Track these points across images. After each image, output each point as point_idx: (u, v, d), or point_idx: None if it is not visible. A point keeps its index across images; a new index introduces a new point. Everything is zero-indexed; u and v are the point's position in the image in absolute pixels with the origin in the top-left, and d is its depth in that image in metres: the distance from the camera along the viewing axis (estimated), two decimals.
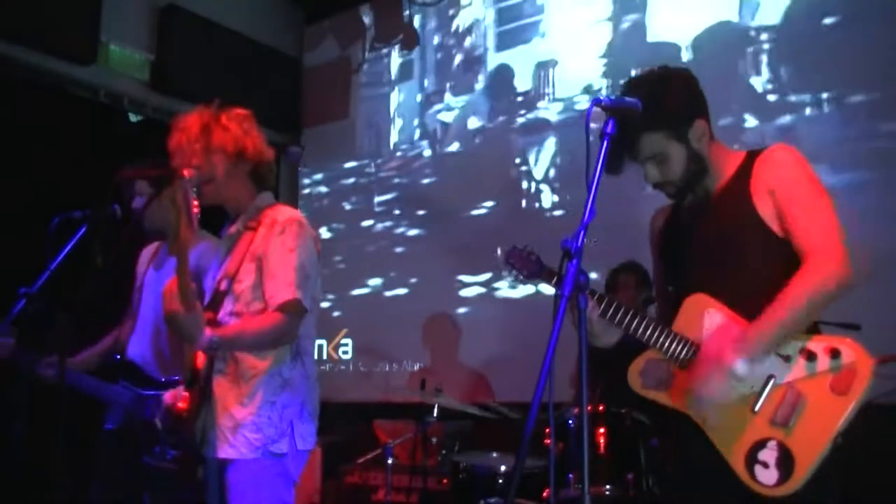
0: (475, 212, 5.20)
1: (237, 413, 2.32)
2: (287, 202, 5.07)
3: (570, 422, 3.13)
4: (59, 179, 4.27)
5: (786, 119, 4.07)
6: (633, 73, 4.55)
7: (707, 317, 2.00)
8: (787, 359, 1.89)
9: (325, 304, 5.54)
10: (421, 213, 5.51)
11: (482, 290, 5.05)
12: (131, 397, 2.80)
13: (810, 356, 1.87)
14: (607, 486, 2.99)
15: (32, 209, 3.51)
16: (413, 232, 5.51)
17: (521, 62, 5.16)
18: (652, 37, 4.67)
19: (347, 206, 5.87)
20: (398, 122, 5.79)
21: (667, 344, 2.02)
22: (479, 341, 5.00)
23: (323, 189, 6.08)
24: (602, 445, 3.07)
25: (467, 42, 5.48)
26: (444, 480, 3.96)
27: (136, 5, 5.06)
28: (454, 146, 5.43)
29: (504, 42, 5.29)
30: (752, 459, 1.87)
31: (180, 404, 2.41)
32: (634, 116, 1.86)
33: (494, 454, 3.64)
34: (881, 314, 3.26)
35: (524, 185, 5.01)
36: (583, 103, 4.86)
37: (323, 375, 5.44)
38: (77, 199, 2.83)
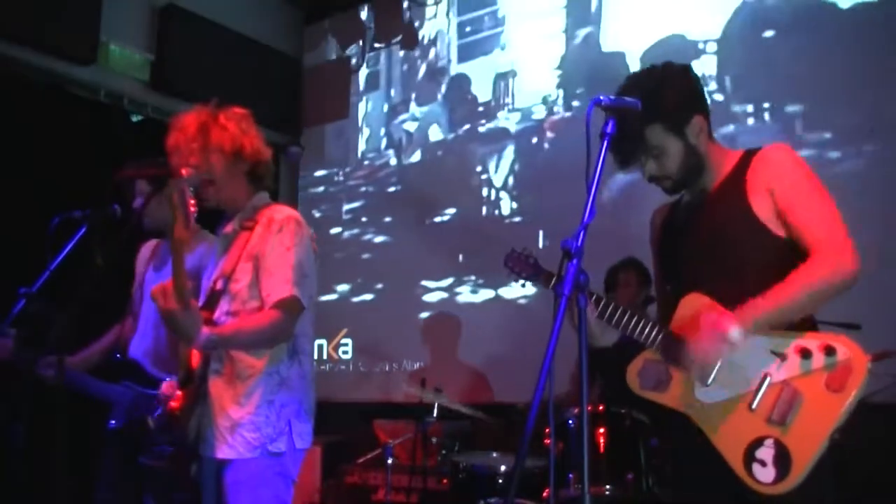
0: (438, 219, 5.38)
1: (234, 413, 2.32)
2: (287, 203, 5.08)
3: (570, 422, 3.13)
4: (59, 179, 4.27)
5: (729, 128, 4.20)
6: (582, 86, 4.85)
7: (704, 316, 2.00)
8: (783, 357, 1.89)
9: None
10: (387, 220, 5.66)
11: (444, 295, 5.22)
12: (133, 396, 2.81)
13: (805, 354, 1.87)
14: (607, 486, 2.99)
15: (32, 209, 3.51)
16: (379, 239, 5.66)
17: (482, 73, 5.34)
18: (605, 48, 4.84)
19: (317, 214, 5.98)
20: (366, 132, 5.95)
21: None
22: (479, 341, 5.00)
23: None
24: (602, 445, 3.07)
25: (431, 53, 5.64)
26: (444, 480, 3.96)
27: (136, 5, 5.06)
28: (418, 155, 5.60)
29: (466, 54, 5.47)
30: (749, 458, 1.87)
31: (172, 403, 2.40)
32: (643, 109, 1.87)
33: (494, 454, 3.63)
34: (881, 314, 3.27)
35: (484, 192, 5.20)
36: (539, 113, 5.04)
37: (323, 375, 5.47)
38: (77, 199, 2.83)
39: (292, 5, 6.19)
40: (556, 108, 4.98)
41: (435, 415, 3.80)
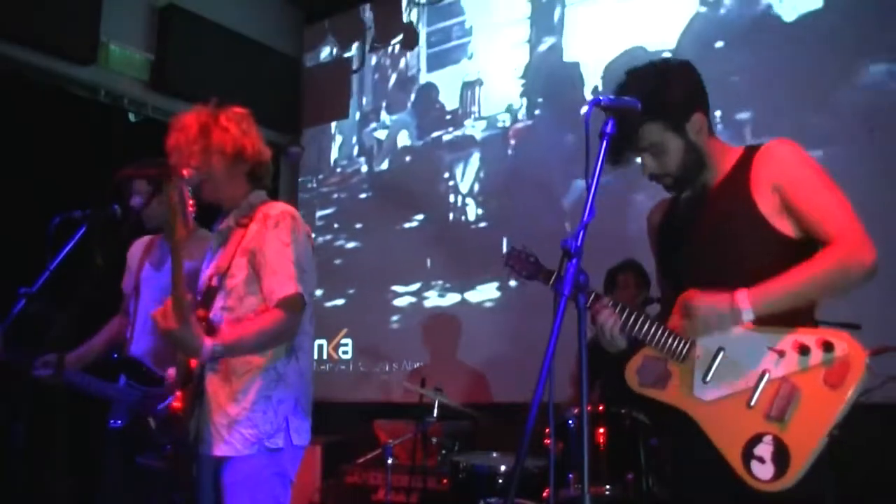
0: (407, 225, 5.49)
1: (231, 409, 2.32)
2: (287, 202, 5.06)
3: (570, 422, 3.13)
4: (59, 179, 4.27)
5: None
6: (543, 95, 4.95)
7: None
8: (781, 353, 1.89)
9: None
10: (358, 226, 5.78)
11: (413, 299, 5.35)
12: (136, 395, 2.80)
13: (803, 350, 1.87)
14: (607, 486, 2.99)
15: (32, 209, 3.51)
16: (351, 245, 5.77)
17: (450, 82, 5.47)
18: (566, 58, 4.97)
19: None
20: (338, 140, 6.06)
21: (663, 340, 2.02)
22: (479, 341, 5.00)
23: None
24: (602, 445, 3.07)
25: (402, 63, 5.78)
26: (444, 480, 3.96)
27: (136, 5, 5.06)
28: (387, 163, 5.74)
29: (435, 63, 5.60)
30: (748, 455, 1.86)
31: (175, 403, 2.40)
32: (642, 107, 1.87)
33: (494, 454, 3.64)
34: (881, 314, 3.27)
35: (451, 198, 5.32)
36: (504, 121, 5.18)
37: (323, 375, 5.47)
38: (77, 199, 2.83)
39: (292, 5, 6.19)
40: (520, 116, 5.12)
41: (435, 415, 3.80)
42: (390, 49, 5.80)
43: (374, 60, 5.91)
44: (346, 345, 5.62)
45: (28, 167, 4.32)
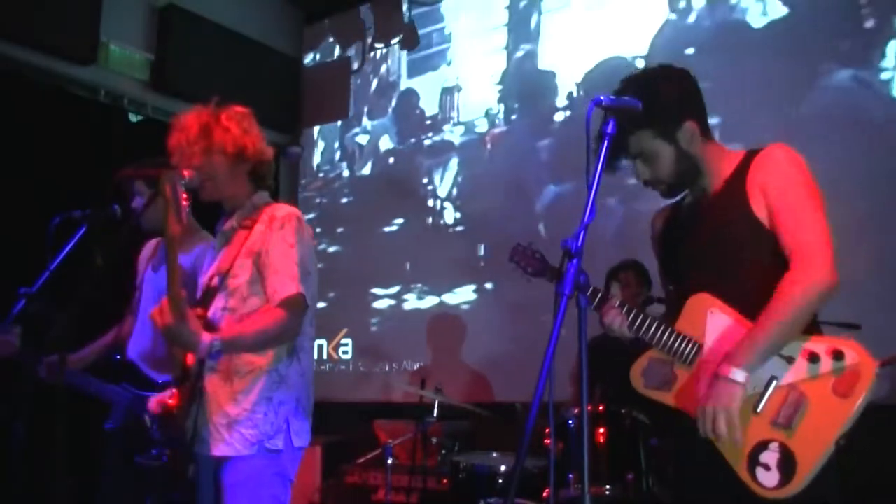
0: (387, 228, 5.58)
1: (231, 410, 2.31)
2: (286, 202, 5.07)
3: (570, 422, 3.13)
4: (59, 179, 4.27)
5: None
6: (519, 101, 5.06)
7: (710, 316, 2.00)
8: (790, 360, 1.88)
9: None
10: (340, 230, 5.85)
11: (392, 302, 5.45)
12: (130, 398, 2.81)
13: (813, 357, 1.86)
14: (607, 486, 2.99)
15: (32, 209, 3.51)
16: (332, 249, 5.84)
17: (430, 88, 5.57)
18: (541, 66, 5.07)
19: None
20: (321, 145, 6.13)
21: (670, 343, 2.02)
22: (480, 341, 5.01)
23: None
24: (602, 445, 3.07)
25: (383, 69, 5.87)
26: (444, 480, 3.96)
27: (136, 5, 5.05)
28: (369, 167, 5.83)
29: (415, 69, 5.69)
30: (753, 461, 1.85)
31: (170, 401, 2.39)
32: (631, 114, 1.86)
33: (494, 454, 3.64)
34: (881, 314, 3.27)
35: (430, 203, 5.43)
36: (482, 126, 5.27)
37: (323, 375, 5.47)
38: (77, 199, 2.83)
39: (292, 5, 6.19)
40: (497, 121, 5.22)
41: (435, 415, 3.80)
42: (372, 54, 5.90)
43: (355, 66, 5.98)
44: (346, 345, 5.62)
45: (28, 167, 4.32)
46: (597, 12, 4.82)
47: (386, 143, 5.75)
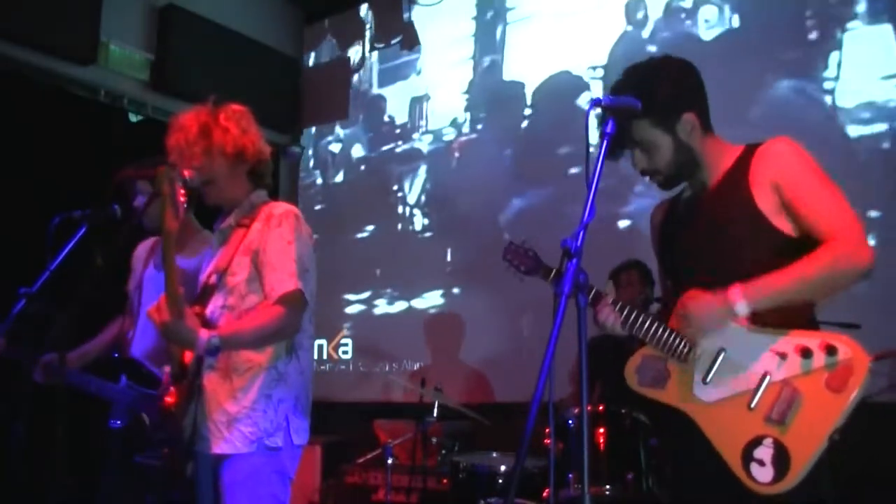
0: (359, 235, 5.69)
1: (231, 408, 2.31)
2: (287, 202, 5.07)
3: (570, 422, 3.13)
4: (59, 179, 4.27)
5: None
6: (485, 110, 5.23)
7: None
8: (783, 356, 1.88)
9: None
10: (315, 237, 5.82)
11: (363, 307, 5.56)
12: (135, 396, 2.80)
13: (806, 353, 1.86)
14: (607, 486, 2.99)
15: (32, 209, 3.51)
16: None
17: (400, 97, 5.72)
18: (507, 75, 5.23)
19: None
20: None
21: (664, 339, 2.02)
22: (480, 341, 5.00)
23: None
24: (602, 445, 3.07)
25: (355, 78, 6.00)
26: (444, 480, 3.96)
27: (136, 5, 5.05)
28: (341, 175, 5.96)
29: (386, 78, 5.84)
30: (747, 457, 1.86)
31: (167, 399, 2.39)
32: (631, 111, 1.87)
33: (494, 454, 3.63)
34: (881, 314, 3.27)
35: (399, 209, 5.56)
36: (449, 134, 5.40)
37: (323, 375, 5.47)
38: (77, 199, 2.83)
39: (292, 5, 6.19)
40: (464, 130, 5.35)
41: (435, 415, 3.80)
42: (349, 63, 6.00)
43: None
44: (346, 345, 5.62)
45: (28, 167, 4.32)
46: (559, 24, 4.99)
47: (358, 151, 5.89)
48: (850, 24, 4.02)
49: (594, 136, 1.89)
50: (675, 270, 2.16)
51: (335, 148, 5.99)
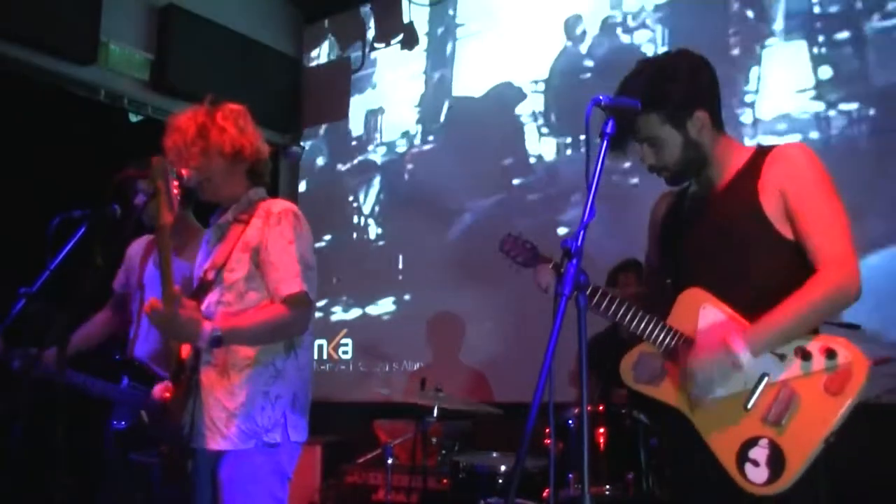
0: (317, 244, 5.77)
1: (229, 403, 2.31)
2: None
3: (570, 422, 3.13)
4: (59, 179, 4.27)
5: (552, 157, 4.90)
6: (436, 122, 5.42)
7: (702, 312, 1.99)
8: (782, 357, 1.88)
9: None
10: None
11: (321, 314, 5.63)
12: (138, 397, 2.80)
13: (805, 355, 1.86)
14: (607, 486, 2.99)
15: (32, 209, 3.50)
16: None
17: (357, 109, 5.91)
18: (456, 89, 5.43)
19: None
20: None
21: (656, 333, 2.01)
22: (480, 341, 5.00)
23: None
24: (602, 445, 3.07)
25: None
26: (444, 480, 3.95)
27: (136, 5, 5.05)
28: (304, 184, 6.12)
29: None
30: (743, 457, 1.86)
31: (165, 394, 2.39)
32: (643, 98, 1.86)
33: (494, 454, 3.64)
34: (881, 314, 3.27)
35: (355, 219, 5.77)
36: (402, 147, 5.62)
37: (323, 375, 5.47)
38: (77, 199, 2.83)
39: (292, 5, 6.18)
40: (415, 142, 5.55)
41: (435, 415, 3.79)
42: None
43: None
44: (346, 345, 5.62)
45: (28, 167, 4.32)
46: (504, 39, 5.21)
47: (319, 161, 6.06)
48: (768, 41, 4.22)
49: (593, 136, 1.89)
50: (675, 267, 2.14)
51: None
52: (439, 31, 5.56)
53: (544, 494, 3.13)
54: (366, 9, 5.98)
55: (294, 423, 2.38)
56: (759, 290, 1.92)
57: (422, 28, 5.60)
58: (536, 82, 5.01)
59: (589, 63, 4.85)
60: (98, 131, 4.81)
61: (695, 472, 2.00)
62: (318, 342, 5.59)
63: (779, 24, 4.18)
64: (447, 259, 5.12)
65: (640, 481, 2.98)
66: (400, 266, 5.43)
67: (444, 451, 4.20)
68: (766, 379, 1.88)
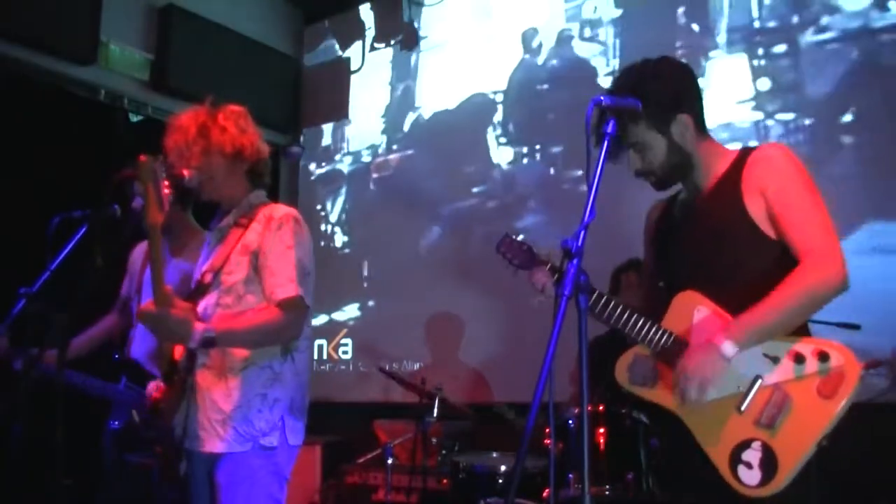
0: None
1: (226, 406, 2.31)
2: (287, 203, 5.08)
3: (570, 422, 3.13)
4: (59, 179, 4.27)
5: (509, 166, 5.10)
6: (400, 132, 5.64)
7: (696, 314, 2.00)
8: (775, 360, 1.88)
9: None
10: None
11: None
12: (135, 397, 2.80)
13: (798, 358, 1.86)
14: (607, 486, 2.99)
15: (32, 209, 3.51)
16: None
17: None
18: (419, 100, 5.61)
19: None
20: None
21: (651, 335, 2.02)
22: (480, 341, 5.01)
23: None
24: (602, 445, 3.07)
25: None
26: (444, 480, 3.95)
27: (136, 5, 5.05)
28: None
29: None
30: (735, 459, 1.86)
31: (155, 395, 2.38)
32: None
33: (494, 454, 3.63)
34: (881, 314, 3.27)
35: (322, 227, 5.89)
36: (367, 157, 5.78)
37: (323, 375, 5.47)
38: (77, 199, 2.83)
39: (292, 5, 6.19)
40: (380, 152, 5.72)
41: (435, 415, 3.79)
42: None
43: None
44: (346, 345, 5.62)
45: (28, 167, 4.32)
46: (464, 52, 5.40)
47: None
48: (712, 54, 4.39)
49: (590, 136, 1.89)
50: (668, 272, 2.15)
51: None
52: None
53: (544, 494, 3.13)
54: (366, 9, 5.98)
55: (292, 426, 2.38)
56: (749, 290, 1.92)
57: (387, 39, 5.77)
58: (496, 93, 5.22)
59: (545, 75, 5.04)
60: (98, 131, 4.81)
61: (691, 473, 2.00)
62: (318, 342, 5.60)
63: (722, 38, 4.37)
64: (414, 266, 5.26)
65: (641, 481, 2.98)
66: (365, 272, 5.61)
67: (444, 451, 4.20)
68: (759, 382, 1.88)
